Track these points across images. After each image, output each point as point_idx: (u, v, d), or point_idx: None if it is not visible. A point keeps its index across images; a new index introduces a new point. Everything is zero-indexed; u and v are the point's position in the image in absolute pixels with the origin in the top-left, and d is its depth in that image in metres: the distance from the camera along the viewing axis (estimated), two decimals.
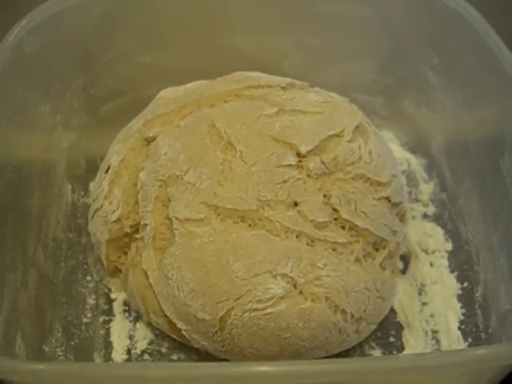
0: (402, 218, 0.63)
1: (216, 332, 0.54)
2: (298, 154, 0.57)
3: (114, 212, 0.59)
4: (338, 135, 0.58)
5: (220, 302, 0.53)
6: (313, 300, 0.54)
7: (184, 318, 0.55)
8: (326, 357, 0.58)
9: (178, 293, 0.54)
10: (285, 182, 0.54)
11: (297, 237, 0.54)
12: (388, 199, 0.60)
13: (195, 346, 0.58)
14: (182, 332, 0.57)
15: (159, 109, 0.63)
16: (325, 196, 0.56)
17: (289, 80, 0.66)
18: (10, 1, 0.84)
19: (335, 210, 0.56)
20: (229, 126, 0.57)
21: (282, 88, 0.64)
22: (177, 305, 0.55)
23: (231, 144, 0.56)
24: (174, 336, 0.60)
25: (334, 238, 0.55)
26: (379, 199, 0.59)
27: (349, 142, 0.58)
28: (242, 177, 0.54)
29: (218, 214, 0.54)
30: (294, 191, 0.55)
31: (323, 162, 0.56)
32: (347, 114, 0.61)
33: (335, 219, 0.56)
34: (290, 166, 0.55)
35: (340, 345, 0.57)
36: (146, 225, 0.57)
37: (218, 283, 0.53)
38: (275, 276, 0.53)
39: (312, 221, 0.54)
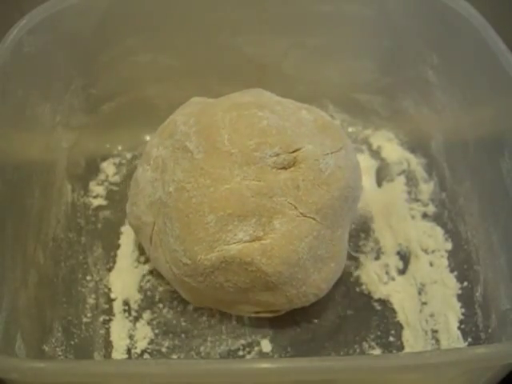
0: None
1: (198, 274, 0.61)
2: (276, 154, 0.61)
3: (156, 193, 0.64)
4: (313, 149, 0.62)
5: (197, 247, 0.59)
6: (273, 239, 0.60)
7: (175, 262, 0.62)
8: (326, 356, 0.58)
9: (171, 239, 0.61)
10: (255, 164, 0.60)
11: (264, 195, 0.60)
12: (336, 200, 0.62)
13: (191, 292, 0.63)
14: (177, 276, 0.62)
15: (189, 107, 0.67)
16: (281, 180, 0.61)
17: (299, 104, 0.67)
18: (10, 1, 0.85)
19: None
20: (227, 111, 0.63)
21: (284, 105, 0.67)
22: (170, 250, 0.62)
23: (221, 127, 0.62)
24: (179, 286, 0.64)
25: (290, 209, 0.60)
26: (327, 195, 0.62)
27: (320, 153, 0.62)
28: (224, 156, 0.60)
29: (204, 175, 0.61)
30: (260, 173, 0.60)
31: (284, 159, 0.61)
32: (331, 138, 0.64)
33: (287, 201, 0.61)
34: (265, 154, 0.60)
35: (306, 282, 0.62)
36: (165, 190, 0.62)
37: (195, 231, 0.59)
38: (242, 227, 0.59)
39: (270, 197, 0.60)
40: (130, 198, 0.68)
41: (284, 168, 0.61)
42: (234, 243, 0.59)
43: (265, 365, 0.46)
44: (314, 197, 0.61)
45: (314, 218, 0.60)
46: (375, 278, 0.69)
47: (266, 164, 0.60)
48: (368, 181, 0.76)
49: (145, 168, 0.66)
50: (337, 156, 0.63)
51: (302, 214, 0.60)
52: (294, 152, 0.61)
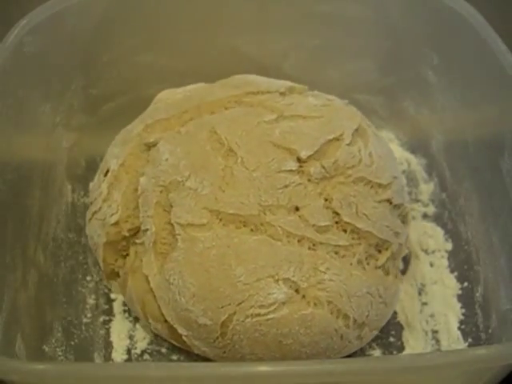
0: (403, 219, 0.63)
1: (217, 338, 0.54)
2: (299, 159, 0.57)
3: (112, 215, 0.59)
4: (337, 139, 0.59)
5: (222, 307, 0.53)
6: (315, 305, 0.54)
7: (185, 323, 0.55)
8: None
9: (180, 298, 0.54)
10: (286, 186, 0.55)
11: (298, 241, 0.54)
12: (389, 201, 0.60)
13: (195, 351, 0.58)
14: (183, 337, 0.57)
15: (159, 113, 0.63)
16: (326, 200, 0.56)
17: (288, 84, 0.65)
18: (11, 1, 0.85)
19: (336, 214, 0.56)
20: (229, 132, 0.58)
21: (281, 94, 0.64)
22: (178, 310, 0.55)
23: (232, 150, 0.57)
24: (173, 342, 0.60)
25: (335, 241, 0.55)
26: (380, 201, 0.59)
27: (348, 145, 0.59)
28: (244, 182, 0.55)
29: (220, 220, 0.55)
30: (294, 196, 0.55)
31: (323, 167, 0.56)
32: (346, 117, 0.61)
33: (336, 223, 0.56)
34: (290, 171, 0.56)
35: (341, 351, 0.57)
36: (147, 230, 0.57)
37: (220, 288, 0.53)
38: (277, 281, 0.53)
39: (313, 225, 0.54)
40: (87, 212, 0.64)
41: (325, 178, 0.56)
42: (270, 305, 0.52)
43: (265, 367, 0.46)
44: (369, 208, 0.55)
45: (370, 232, 0.55)
46: None
47: (296, 183, 0.54)
48: None
49: (100, 178, 0.62)
50: (372, 145, 0.59)
51: (356, 231, 0.55)
52: (321, 151, 0.56)
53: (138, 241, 0.59)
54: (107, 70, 0.74)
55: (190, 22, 0.73)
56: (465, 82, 0.70)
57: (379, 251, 0.58)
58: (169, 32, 0.73)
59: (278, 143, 0.57)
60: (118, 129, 0.68)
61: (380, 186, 0.58)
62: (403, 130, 0.81)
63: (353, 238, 0.56)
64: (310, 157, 0.57)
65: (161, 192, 0.57)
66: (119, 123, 0.68)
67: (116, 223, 0.59)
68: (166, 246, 0.56)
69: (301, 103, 0.62)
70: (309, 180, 0.56)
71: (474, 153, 0.69)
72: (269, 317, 0.52)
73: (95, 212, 0.62)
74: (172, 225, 0.56)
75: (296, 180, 0.55)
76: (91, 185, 0.73)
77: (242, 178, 0.55)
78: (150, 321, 0.59)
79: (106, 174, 0.63)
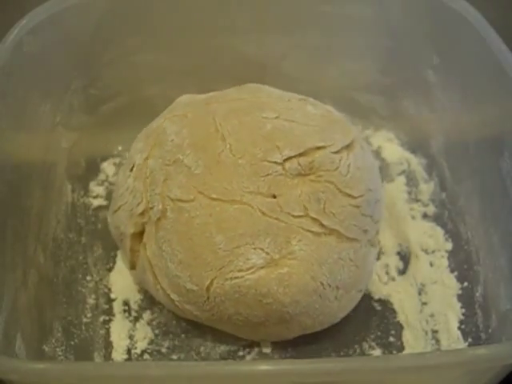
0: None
1: (204, 302, 0.57)
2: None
3: (138, 205, 0.61)
4: (324, 147, 0.60)
5: (205, 273, 0.56)
6: (291, 267, 0.56)
7: (176, 289, 0.58)
8: (326, 356, 0.58)
9: (170, 265, 0.57)
10: (267, 175, 0.57)
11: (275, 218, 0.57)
12: (358, 207, 0.60)
13: (189, 317, 0.61)
14: (176, 303, 0.59)
15: (178, 110, 0.65)
16: (300, 194, 0.58)
17: (302, 97, 0.66)
18: (10, 1, 0.85)
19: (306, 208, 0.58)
20: (225, 120, 0.60)
21: (287, 101, 0.65)
22: (169, 276, 0.58)
23: (223, 136, 0.59)
24: (173, 310, 0.62)
25: (308, 227, 0.57)
26: (349, 205, 0.59)
27: (333, 152, 0.60)
28: (229, 168, 0.57)
29: (206, 196, 0.57)
30: (274, 185, 0.57)
31: (299, 164, 0.58)
32: (340, 131, 0.62)
33: (307, 215, 0.58)
34: (275, 162, 0.58)
35: (323, 311, 0.59)
36: (154, 207, 0.59)
37: (203, 255, 0.56)
38: (255, 249, 0.55)
39: (288, 213, 0.57)
40: (111, 204, 0.66)
41: (300, 175, 0.58)
42: (248, 269, 0.55)
43: (265, 367, 0.46)
44: (336, 207, 0.57)
45: (337, 230, 0.57)
46: (375, 278, 0.69)
47: (278, 173, 0.57)
48: None
49: (126, 174, 0.64)
50: (354, 156, 0.60)
51: (324, 226, 0.57)
52: (305, 153, 0.58)
53: (145, 219, 0.61)
54: (107, 70, 0.74)
55: (189, 22, 0.73)
56: (465, 82, 0.70)
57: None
58: (169, 32, 0.73)
59: (266, 137, 0.59)
60: (118, 129, 0.68)
61: (349, 196, 0.59)
62: (403, 129, 0.81)
63: (323, 231, 0.58)
64: (292, 156, 0.58)
65: (167, 170, 0.59)
66: (119, 123, 0.68)
67: (142, 213, 0.61)
68: (163, 217, 0.59)
69: (299, 110, 0.63)
70: (290, 173, 0.58)
71: (474, 153, 0.69)
72: (247, 278, 0.55)
73: (122, 205, 0.63)
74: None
75: (279, 170, 0.57)
76: (91, 184, 0.73)
77: (228, 164, 0.57)
78: (158, 287, 0.60)
79: (131, 170, 0.64)
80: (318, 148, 0.59)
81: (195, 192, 0.57)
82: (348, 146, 0.62)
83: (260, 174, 0.57)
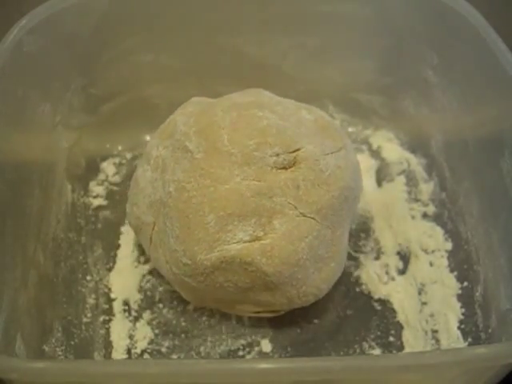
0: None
1: (198, 274, 0.60)
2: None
3: (156, 193, 0.64)
4: (313, 150, 0.62)
5: (196, 247, 0.59)
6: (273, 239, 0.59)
7: (175, 262, 0.61)
8: (326, 356, 0.58)
9: (170, 240, 0.61)
10: (255, 164, 0.60)
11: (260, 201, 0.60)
12: (335, 199, 0.62)
13: (190, 291, 0.63)
14: (177, 276, 0.62)
15: (189, 108, 0.67)
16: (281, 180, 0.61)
17: (301, 104, 0.67)
18: (10, 1, 0.85)
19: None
20: (226, 111, 0.63)
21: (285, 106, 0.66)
22: (170, 250, 0.61)
23: (220, 126, 0.62)
24: (178, 286, 0.64)
25: (290, 210, 0.60)
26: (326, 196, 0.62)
27: (320, 153, 0.62)
28: (224, 156, 0.60)
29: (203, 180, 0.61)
30: (260, 173, 0.60)
31: (284, 159, 0.60)
32: (331, 138, 0.64)
33: (289, 203, 0.60)
34: (264, 156, 0.60)
35: (306, 282, 0.61)
36: (165, 190, 0.62)
37: (195, 231, 0.59)
38: (242, 227, 0.59)
39: (270, 197, 0.59)
40: (130, 198, 0.68)
41: (284, 168, 0.61)
42: (234, 243, 0.59)
43: (265, 365, 0.46)
44: (313, 197, 0.60)
45: (313, 218, 0.60)
46: (375, 277, 0.69)
47: (265, 164, 0.60)
48: (368, 181, 0.76)
49: (145, 168, 0.66)
50: (337, 156, 0.63)
51: (302, 213, 0.60)
52: (294, 152, 0.61)
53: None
54: (107, 70, 0.74)
55: (189, 21, 0.73)
56: (465, 82, 0.70)
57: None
58: (169, 32, 0.73)
59: (260, 131, 0.61)
60: (118, 129, 0.68)
61: (326, 190, 0.62)
62: (403, 129, 0.81)
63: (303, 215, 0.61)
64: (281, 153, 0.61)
65: (176, 156, 0.62)
66: (119, 123, 0.68)
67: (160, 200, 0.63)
68: (168, 196, 0.62)
69: (295, 115, 0.64)
70: (275, 166, 0.61)
71: (473, 153, 0.69)
72: (231, 248, 0.59)
73: (142, 197, 0.65)
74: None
75: (267, 162, 0.60)
76: (91, 184, 0.73)
77: (223, 152, 0.60)
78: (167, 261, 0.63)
79: (149, 164, 0.65)
80: (306, 149, 0.61)
81: (195, 176, 0.60)
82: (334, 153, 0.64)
83: (249, 163, 0.60)
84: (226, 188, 0.59)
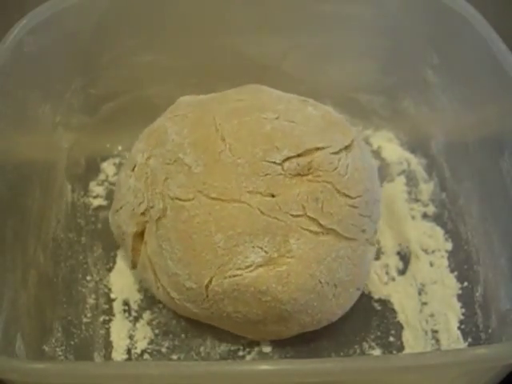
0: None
1: (203, 300, 0.57)
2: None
3: (140, 204, 0.61)
4: (323, 148, 0.60)
5: (204, 271, 0.56)
6: (289, 265, 0.56)
7: (175, 287, 0.58)
8: (326, 356, 0.58)
9: (170, 262, 0.58)
10: (266, 175, 0.57)
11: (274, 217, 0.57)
12: (355, 207, 0.60)
13: (188, 315, 0.61)
14: (176, 301, 0.59)
15: (179, 110, 0.65)
16: (298, 194, 0.58)
17: (303, 98, 0.66)
18: (10, 1, 0.85)
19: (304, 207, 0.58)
20: (226, 120, 0.60)
21: (287, 102, 0.65)
22: (169, 274, 0.58)
23: (223, 136, 0.59)
24: (172, 308, 0.62)
25: (307, 226, 0.57)
26: (347, 205, 0.60)
27: (332, 153, 0.60)
28: (229, 167, 0.57)
29: (205, 196, 0.57)
30: (272, 185, 0.57)
31: (298, 164, 0.58)
32: (340, 132, 0.62)
33: (306, 215, 0.58)
34: (274, 162, 0.58)
35: (322, 309, 0.59)
36: (154, 206, 0.59)
37: (202, 253, 0.56)
38: (254, 247, 0.56)
39: (286, 212, 0.57)
40: (113, 204, 0.66)
41: (299, 175, 0.58)
42: (247, 267, 0.55)
43: (265, 367, 0.46)
44: (334, 207, 0.57)
45: (334, 230, 0.57)
46: (375, 277, 0.69)
47: (277, 173, 0.57)
48: None
49: (127, 174, 0.64)
50: (353, 156, 0.61)
51: (321, 225, 0.57)
52: (305, 155, 0.58)
53: (146, 218, 0.61)
54: (107, 70, 0.74)
55: (190, 22, 0.73)
56: (465, 82, 0.70)
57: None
58: (169, 32, 0.73)
59: (266, 137, 0.59)
60: (118, 129, 0.68)
61: (347, 196, 0.59)
62: (403, 129, 0.81)
63: (321, 231, 0.58)
64: (291, 156, 0.58)
65: (168, 169, 0.60)
66: (119, 123, 0.68)
67: (144, 212, 0.61)
68: (163, 216, 0.59)
69: (299, 111, 0.63)
70: (289, 173, 0.58)
71: (474, 153, 0.69)
72: (245, 276, 0.55)
73: (123, 205, 0.63)
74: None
75: (277, 170, 0.57)
76: (91, 184, 0.73)
77: (228, 164, 0.57)
78: (158, 285, 0.61)
79: (133, 170, 0.64)
80: (317, 149, 0.59)
81: (194, 191, 0.57)
82: (347, 147, 0.62)
83: (259, 173, 0.57)
84: (234, 206, 0.56)
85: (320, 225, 0.57)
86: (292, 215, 0.57)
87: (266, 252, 0.56)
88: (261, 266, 0.56)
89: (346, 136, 0.62)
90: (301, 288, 0.56)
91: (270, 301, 0.56)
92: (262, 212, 0.56)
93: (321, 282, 0.57)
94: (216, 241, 0.55)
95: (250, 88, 0.67)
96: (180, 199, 0.57)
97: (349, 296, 0.61)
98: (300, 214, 0.57)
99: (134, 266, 0.65)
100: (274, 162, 0.57)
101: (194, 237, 0.56)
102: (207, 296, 0.57)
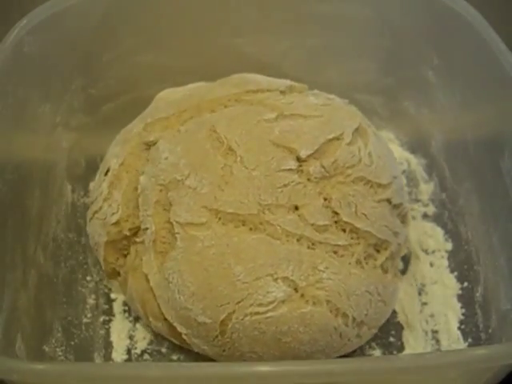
0: (403, 219, 0.63)
1: (217, 336, 0.54)
2: (298, 159, 0.57)
3: (113, 214, 0.60)
4: (337, 138, 0.59)
5: (221, 306, 0.53)
6: (314, 303, 0.54)
7: (184, 321, 0.55)
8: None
9: (179, 296, 0.54)
10: (285, 185, 0.55)
11: (297, 240, 0.55)
12: (389, 201, 0.60)
13: (195, 350, 0.58)
14: (183, 336, 0.57)
15: (159, 112, 0.63)
16: (325, 199, 0.56)
17: (288, 83, 0.66)
18: (11, 1, 0.85)
19: (336, 213, 0.56)
20: (229, 131, 0.58)
21: (282, 92, 0.64)
22: (177, 308, 0.55)
23: (231, 149, 0.57)
24: (173, 340, 0.60)
25: (334, 241, 0.55)
26: (379, 201, 0.59)
27: (348, 144, 0.59)
28: (243, 181, 0.55)
29: (220, 219, 0.55)
30: (294, 195, 0.55)
31: (323, 166, 0.56)
32: (346, 117, 0.61)
33: (336, 222, 0.56)
34: (290, 170, 0.56)
35: (340, 349, 0.57)
36: (147, 229, 0.58)
37: (219, 287, 0.53)
38: (276, 279, 0.53)
39: (312, 224, 0.54)
40: (88, 211, 0.64)
41: (325, 178, 0.56)
42: (269, 304, 0.52)
43: (265, 368, 0.46)
44: (367, 208, 0.56)
45: (369, 232, 0.56)
46: None
47: (296, 182, 0.55)
48: None
49: (100, 178, 0.62)
50: (372, 145, 0.59)
51: (355, 230, 0.55)
52: (321, 150, 0.56)
53: (138, 240, 0.59)
54: (107, 70, 0.73)
55: (190, 21, 0.73)
56: (465, 82, 0.70)
57: (378, 251, 0.59)
58: (169, 32, 0.73)
59: (277, 142, 0.57)
60: (118, 129, 0.68)
61: (379, 185, 0.59)
62: (403, 129, 0.81)
63: (352, 238, 0.56)
64: (309, 156, 0.57)
65: (160, 191, 0.57)
66: (119, 123, 0.68)
67: (117, 222, 0.60)
68: (165, 244, 0.56)
69: (301, 102, 0.62)
70: (308, 179, 0.56)
71: (473, 153, 0.69)
72: (268, 315, 0.52)
73: (96, 211, 0.62)
74: (171, 223, 0.56)
75: (295, 179, 0.55)
76: (91, 184, 0.73)
77: (242, 177, 0.55)
78: (151, 319, 0.59)
79: (106, 174, 0.63)
80: (330, 140, 0.58)
81: (206, 213, 0.54)
82: (358, 133, 0.60)
83: (277, 185, 0.55)
84: (253, 238, 0.53)
85: (352, 231, 0.55)
86: (319, 226, 0.55)
87: (292, 281, 0.53)
88: (283, 301, 0.53)
89: (352, 120, 0.61)
90: (323, 329, 0.54)
91: (290, 342, 0.53)
92: (286, 236, 0.53)
93: (347, 317, 0.55)
94: (235, 273, 0.52)
95: (234, 79, 0.65)
96: (192, 223, 0.54)
97: (370, 335, 0.59)
98: (327, 223, 0.55)
99: (109, 276, 0.64)
100: (290, 170, 0.55)
101: (211, 269, 0.53)
102: (221, 332, 0.54)
